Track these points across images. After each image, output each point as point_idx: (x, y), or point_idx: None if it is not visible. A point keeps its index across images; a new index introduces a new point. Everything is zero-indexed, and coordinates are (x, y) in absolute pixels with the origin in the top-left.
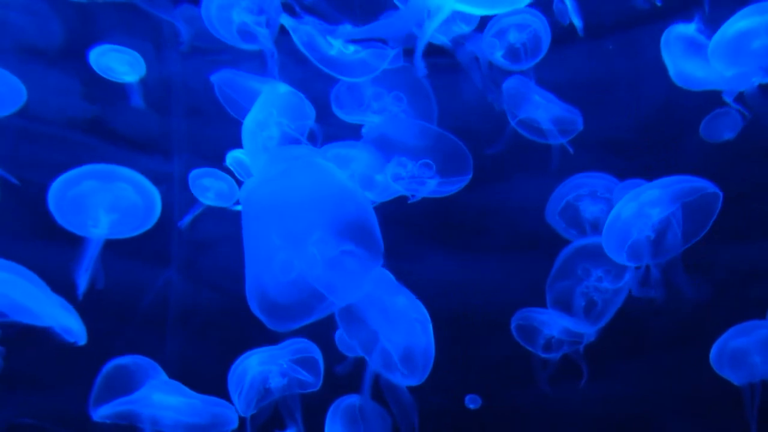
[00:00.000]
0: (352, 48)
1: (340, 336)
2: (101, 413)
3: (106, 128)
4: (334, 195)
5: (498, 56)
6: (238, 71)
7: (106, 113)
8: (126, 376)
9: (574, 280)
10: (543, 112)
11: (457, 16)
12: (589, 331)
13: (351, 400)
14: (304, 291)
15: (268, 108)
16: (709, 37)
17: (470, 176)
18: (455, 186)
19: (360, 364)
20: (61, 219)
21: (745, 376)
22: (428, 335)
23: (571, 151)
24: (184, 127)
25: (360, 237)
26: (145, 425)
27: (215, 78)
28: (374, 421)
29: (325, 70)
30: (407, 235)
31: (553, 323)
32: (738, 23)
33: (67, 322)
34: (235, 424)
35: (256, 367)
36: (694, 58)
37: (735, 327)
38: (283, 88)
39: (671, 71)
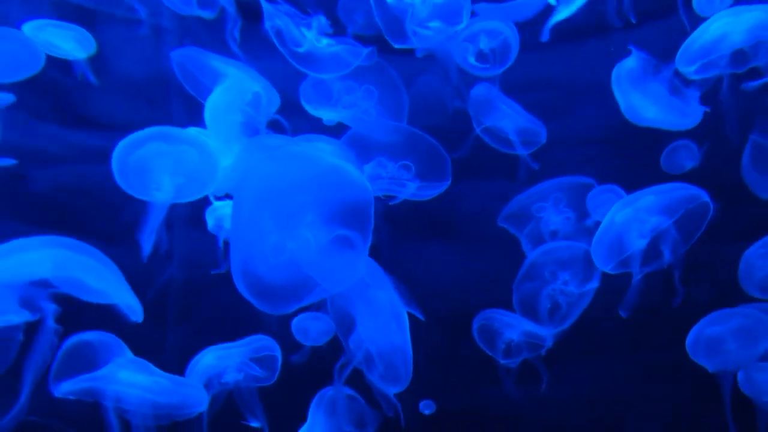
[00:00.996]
0: (325, 41)
1: (297, 324)
2: (63, 389)
3: (96, 121)
4: (325, 177)
5: (471, 60)
6: (202, 50)
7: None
8: (89, 353)
9: (541, 282)
10: (508, 121)
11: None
12: (551, 332)
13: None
14: (295, 273)
15: (233, 92)
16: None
17: (449, 182)
18: (434, 191)
19: (315, 354)
20: (123, 182)
21: (720, 364)
22: (404, 334)
23: (534, 166)
24: (184, 118)
25: (353, 218)
26: (108, 403)
27: (176, 54)
28: (349, 413)
29: (293, 63)
30: (396, 233)
31: (515, 325)
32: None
33: (131, 300)
34: (204, 406)
35: (213, 362)
36: (644, 95)
37: (710, 315)
38: (250, 73)
39: (622, 106)
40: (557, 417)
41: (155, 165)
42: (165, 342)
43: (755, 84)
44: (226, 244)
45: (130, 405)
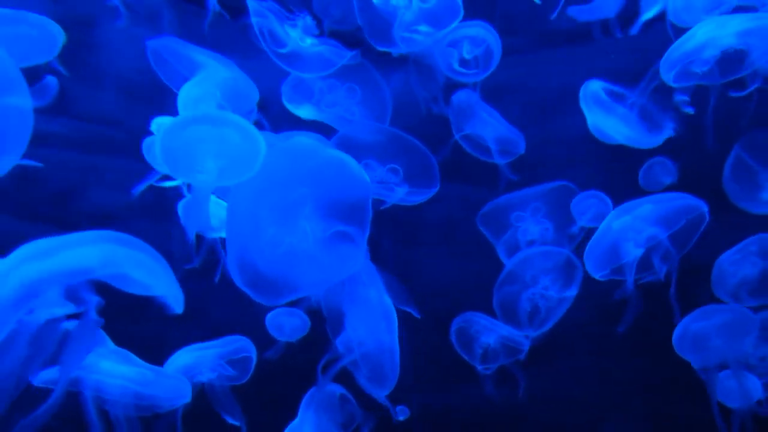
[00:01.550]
0: (309, 41)
1: (271, 320)
2: (43, 378)
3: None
4: (324, 169)
5: (455, 66)
6: (180, 40)
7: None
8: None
9: (522, 286)
10: (489, 129)
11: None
12: (530, 336)
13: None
14: (292, 266)
15: (209, 85)
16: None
17: (437, 188)
18: (423, 196)
19: (289, 350)
20: (168, 165)
21: (705, 359)
22: (393, 334)
23: (512, 177)
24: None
25: (351, 211)
26: (89, 393)
27: (152, 43)
28: (339, 413)
29: (277, 61)
30: (385, 234)
31: (493, 329)
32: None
33: (176, 292)
34: (187, 399)
35: (189, 362)
36: (609, 117)
37: (697, 310)
38: (229, 65)
39: (589, 124)
40: (556, 417)
41: (199, 148)
42: (165, 342)
43: (742, 93)
44: (199, 237)
45: (111, 395)
